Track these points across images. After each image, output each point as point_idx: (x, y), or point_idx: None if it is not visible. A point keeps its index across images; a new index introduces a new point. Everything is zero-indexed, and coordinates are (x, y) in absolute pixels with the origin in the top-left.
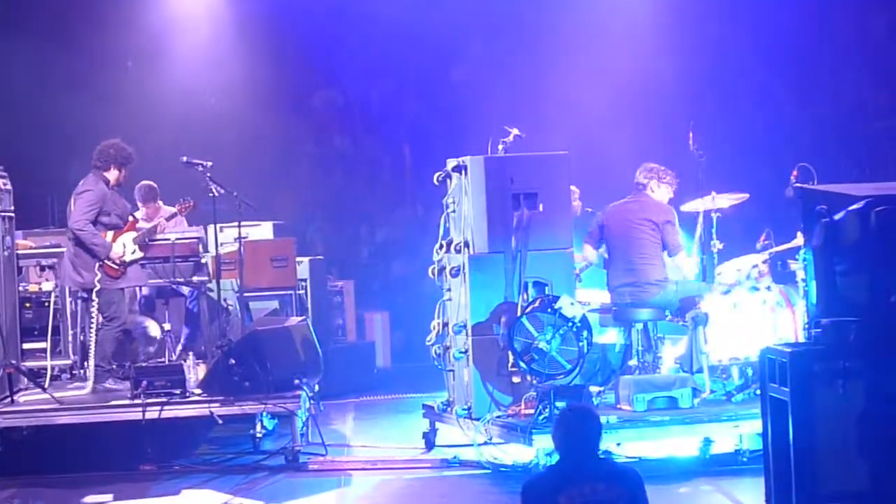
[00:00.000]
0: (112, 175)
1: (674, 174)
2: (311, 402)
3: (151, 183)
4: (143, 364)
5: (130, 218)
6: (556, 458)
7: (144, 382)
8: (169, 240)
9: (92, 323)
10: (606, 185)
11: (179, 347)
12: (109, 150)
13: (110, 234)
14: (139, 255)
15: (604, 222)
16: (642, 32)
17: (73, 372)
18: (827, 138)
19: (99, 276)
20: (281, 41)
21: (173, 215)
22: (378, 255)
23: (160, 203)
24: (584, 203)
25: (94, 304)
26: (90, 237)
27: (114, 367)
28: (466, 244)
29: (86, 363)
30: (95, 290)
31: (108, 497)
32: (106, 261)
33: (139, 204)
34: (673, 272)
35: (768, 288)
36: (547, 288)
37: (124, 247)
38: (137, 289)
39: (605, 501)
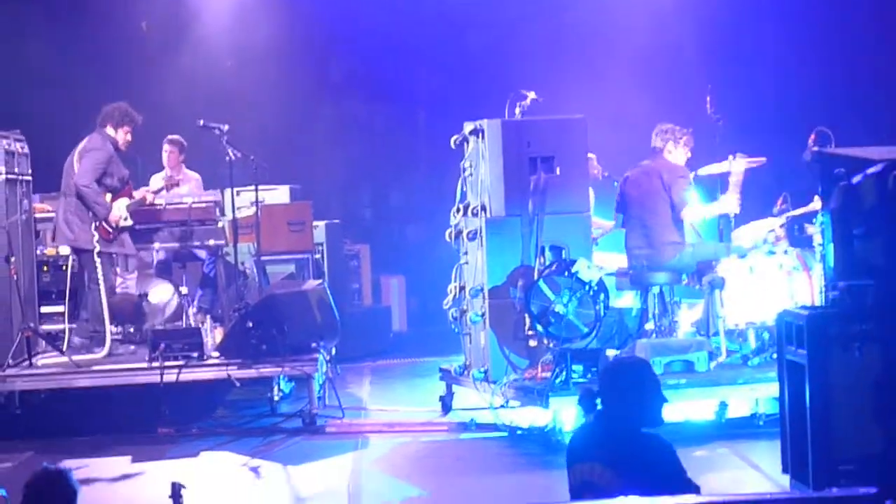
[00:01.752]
0: (118, 136)
1: (690, 132)
2: (328, 365)
3: (178, 137)
4: (161, 327)
5: (127, 184)
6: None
7: (162, 345)
8: (186, 204)
9: (97, 285)
10: (624, 149)
11: (193, 309)
12: (115, 112)
13: (108, 196)
14: (130, 222)
15: (622, 187)
16: None
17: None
18: (845, 102)
19: (96, 236)
20: (297, 5)
21: (160, 189)
22: (394, 219)
23: (183, 165)
24: (601, 168)
25: (97, 264)
26: (94, 195)
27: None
28: (483, 208)
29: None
30: (96, 251)
31: (126, 459)
32: (103, 222)
33: (165, 147)
34: (690, 234)
35: (785, 252)
36: (564, 251)
37: (120, 211)
38: (154, 252)
39: (626, 470)
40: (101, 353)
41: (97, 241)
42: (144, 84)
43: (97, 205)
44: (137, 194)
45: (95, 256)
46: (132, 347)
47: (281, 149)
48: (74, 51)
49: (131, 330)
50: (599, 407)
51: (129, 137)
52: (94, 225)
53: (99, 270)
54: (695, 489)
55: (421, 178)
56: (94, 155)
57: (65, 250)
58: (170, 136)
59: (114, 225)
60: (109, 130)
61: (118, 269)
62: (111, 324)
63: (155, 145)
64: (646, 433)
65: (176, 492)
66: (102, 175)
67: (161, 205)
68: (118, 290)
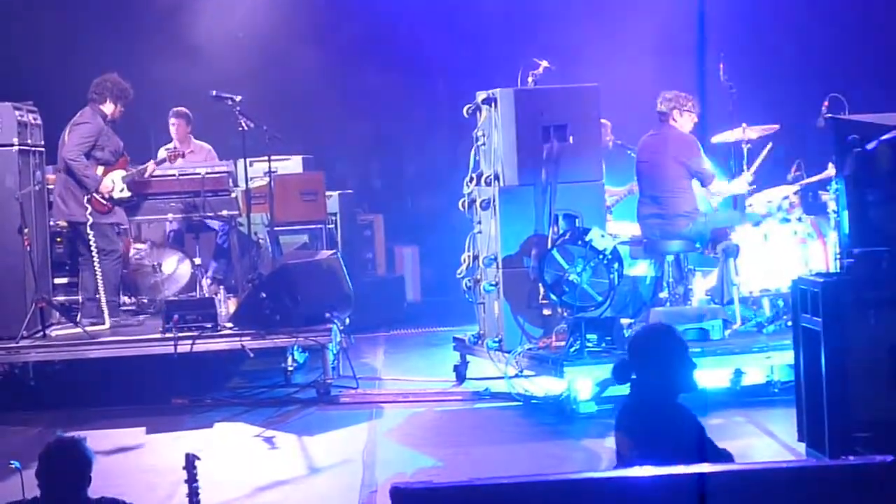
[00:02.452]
0: (108, 109)
1: (695, 99)
2: (342, 335)
3: (183, 108)
4: (175, 298)
5: (123, 156)
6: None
7: (176, 316)
8: (199, 174)
9: (91, 258)
10: (637, 117)
11: (206, 280)
12: (107, 83)
13: (101, 168)
14: (127, 194)
15: (638, 156)
16: None
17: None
18: (859, 68)
19: (89, 209)
20: None
21: (162, 160)
22: (408, 188)
23: (191, 137)
24: (615, 136)
25: (90, 237)
26: (82, 168)
27: (125, 300)
28: (496, 177)
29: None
30: (88, 223)
31: (141, 430)
32: (95, 194)
33: (171, 120)
34: (703, 203)
35: (799, 219)
36: (577, 220)
37: (113, 183)
38: (167, 223)
39: (645, 449)
40: (104, 325)
41: (90, 214)
42: (157, 55)
43: (86, 178)
44: (142, 167)
45: (88, 229)
46: (140, 318)
47: (294, 119)
48: (87, 21)
49: (145, 300)
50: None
51: (120, 109)
52: (86, 198)
53: (93, 243)
54: (727, 457)
55: (434, 147)
56: (82, 129)
57: (65, 224)
58: (175, 109)
59: (106, 196)
60: (100, 103)
61: (131, 240)
62: (125, 294)
63: (166, 117)
64: (676, 404)
65: (190, 463)
66: (92, 148)
67: (174, 175)
68: (132, 260)
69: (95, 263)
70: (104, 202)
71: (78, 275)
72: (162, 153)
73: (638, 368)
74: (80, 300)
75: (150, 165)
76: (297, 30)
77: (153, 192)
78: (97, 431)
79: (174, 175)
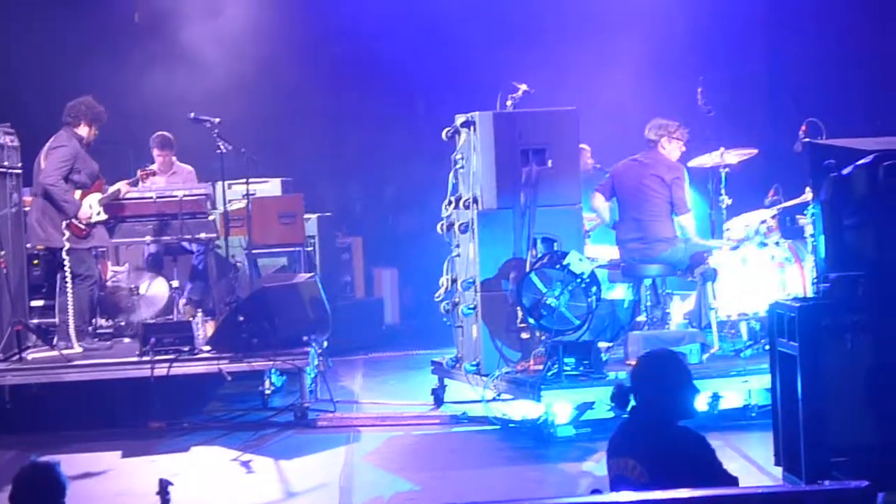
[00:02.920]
0: (83, 131)
1: (685, 129)
2: (320, 358)
3: (166, 133)
4: (152, 321)
5: (98, 179)
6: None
7: (153, 339)
8: (177, 196)
9: (68, 284)
10: (616, 141)
11: (182, 301)
12: (81, 107)
13: (78, 193)
14: (104, 216)
15: (615, 178)
16: None
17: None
18: (836, 93)
19: (67, 234)
20: None
21: (135, 181)
22: (387, 211)
23: (174, 159)
24: (594, 160)
25: (66, 262)
26: (62, 194)
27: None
28: (475, 200)
29: (94, 320)
30: (65, 249)
31: (118, 454)
32: (73, 220)
33: (154, 151)
34: (682, 230)
35: (777, 243)
36: (556, 244)
37: (90, 207)
38: (144, 246)
39: (655, 473)
40: (74, 350)
41: (67, 240)
42: (136, 76)
43: (66, 203)
44: (113, 188)
45: (65, 254)
46: (111, 342)
47: (272, 141)
48: (66, 43)
49: (122, 323)
50: (632, 403)
51: (94, 132)
52: (65, 224)
53: (68, 268)
54: (733, 481)
55: (414, 170)
56: (60, 152)
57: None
58: (158, 137)
59: (85, 222)
60: (75, 127)
61: (109, 263)
62: (101, 317)
63: (146, 138)
64: (679, 426)
65: (163, 488)
66: (69, 172)
67: (152, 197)
68: (109, 283)
69: (68, 288)
70: (82, 227)
71: (55, 298)
72: (173, 164)
73: (643, 392)
74: (57, 323)
75: (123, 186)
76: (276, 53)
77: (131, 214)
78: (73, 455)
79: (152, 198)
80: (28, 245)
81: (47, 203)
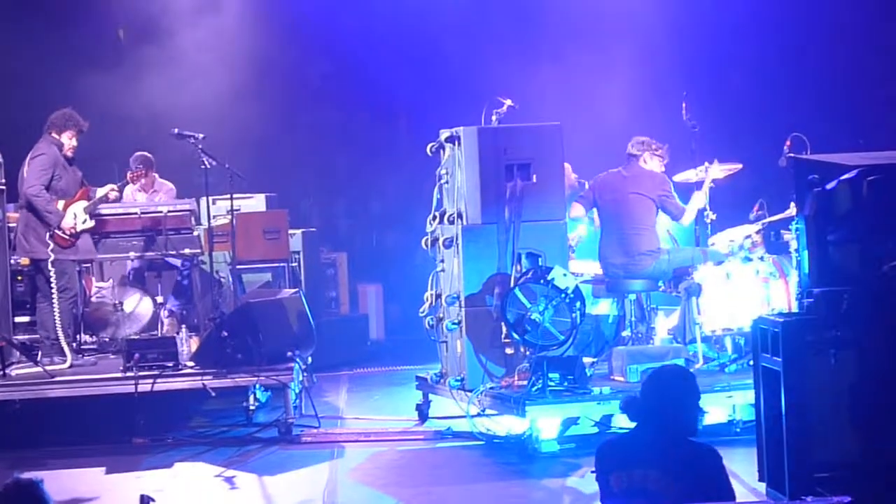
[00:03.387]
0: (64, 139)
1: (666, 147)
2: (304, 374)
3: (146, 153)
4: (136, 337)
5: (83, 187)
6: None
7: (137, 355)
8: (161, 212)
9: (51, 295)
10: (600, 156)
11: (167, 318)
12: (59, 116)
13: (61, 203)
14: (90, 224)
15: (595, 190)
16: (636, 2)
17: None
18: (821, 108)
19: (51, 245)
20: (275, 12)
21: (125, 184)
22: (371, 226)
23: (156, 175)
24: (577, 175)
25: (51, 273)
26: (44, 203)
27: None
28: (459, 215)
29: (78, 335)
30: (50, 260)
31: (101, 470)
32: (56, 230)
33: (138, 172)
34: (666, 241)
35: (761, 258)
36: (540, 259)
37: (75, 216)
38: (128, 261)
39: (673, 479)
40: (65, 363)
41: (51, 251)
42: (121, 92)
43: (48, 213)
44: (101, 191)
45: (49, 265)
46: (96, 357)
47: (257, 157)
48: (49, 58)
49: (106, 339)
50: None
51: (74, 142)
52: (48, 234)
53: (53, 280)
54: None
55: (399, 185)
56: (39, 160)
57: (27, 262)
58: (139, 158)
59: (69, 232)
60: (54, 135)
61: (93, 279)
62: (86, 333)
63: (129, 153)
64: (696, 441)
65: None
66: (50, 180)
67: (136, 213)
68: (93, 299)
69: (55, 301)
70: (67, 237)
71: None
72: (127, 190)
73: (654, 406)
74: (40, 338)
75: (112, 192)
76: (260, 68)
77: (115, 230)
78: (56, 472)
79: (136, 213)
80: (13, 259)
81: (31, 214)
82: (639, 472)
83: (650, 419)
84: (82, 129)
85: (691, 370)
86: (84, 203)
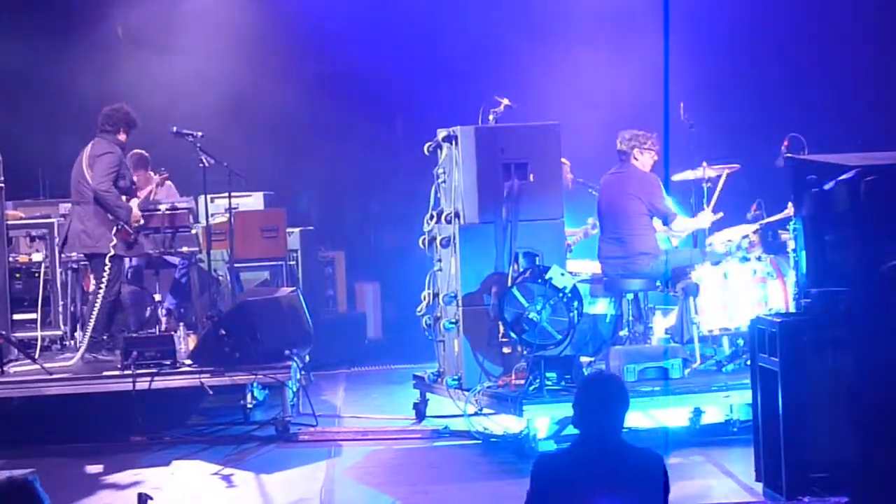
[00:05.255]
0: (122, 138)
1: (655, 136)
2: (302, 372)
3: (142, 152)
4: (134, 334)
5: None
6: (569, 430)
7: (135, 353)
8: (159, 210)
9: (99, 291)
10: (598, 156)
11: (162, 311)
12: (118, 115)
13: (123, 198)
14: (142, 222)
15: (599, 194)
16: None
17: (64, 343)
18: (819, 108)
19: (114, 241)
20: (272, 9)
21: (162, 182)
22: (369, 225)
23: (150, 173)
24: (575, 175)
25: (106, 269)
26: (114, 199)
27: (105, 336)
28: (457, 214)
29: (76, 333)
30: (109, 255)
31: (99, 468)
32: (125, 225)
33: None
34: (664, 241)
35: (759, 258)
36: (537, 258)
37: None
38: (127, 259)
39: (621, 488)
40: (73, 360)
41: (113, 246)
42: (118, 89)
43: (118, 208)
44: (143, 192)
45: (107, 261)
46: (108, 354)
47: (255, 155)
48: (47, 56)
49: (104, 337)
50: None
51: (127, 139)
52: (115, 229)
53: (106, 275)
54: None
55: (396, 184)
56: (106, 159)
57: (38, 257)
58: (135, 156)
59: (134, 226)
60: (115, 134)
61: (91, 276)
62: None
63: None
64: (640, 447)
65: (142, 503)
66: (117, 178)
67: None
68: (90, 297)
69: (100, 295)
70: (131, 232)
71: (37, 311)
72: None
73: (594, 418)
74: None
75: (152, 187)
76: (259, 67)
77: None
78: (53, 469)
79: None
80: (64, 255)
81: (97, 209)
82: (605, 470)
83: (587, 430)
84: (136, 124)
85: (688, 370)
86: (136, 200)
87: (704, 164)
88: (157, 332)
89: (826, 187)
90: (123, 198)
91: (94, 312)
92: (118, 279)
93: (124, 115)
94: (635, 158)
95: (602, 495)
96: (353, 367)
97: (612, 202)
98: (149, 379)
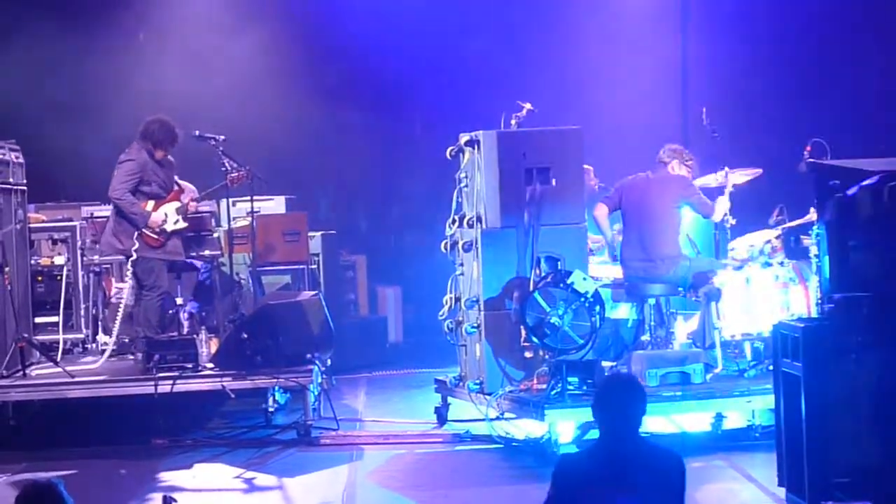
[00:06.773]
0: (159, 154)
1: (695, 159)
2: (323, 376)
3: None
4: (155, 337)
5: (175, 188)
6: (591, 434)
7: (157, 356)
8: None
9: (142, 295)
10: (621, 161)
11: (184, 315)
12: (153, 126)
13: (151, 203)
14: (182, 225)
15: (622, 193)
16: (656, 6)
17: (86, 346)
18: (842, 113)
19: (137, 245)
20: (293, 14)
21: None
22: (391, 229)
23: (175, 177)
24: (598, 179)
25: (129, 272)
26: (128, 206)
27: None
28: (479, 219)
29: (98, 336)
30: (132, 259)
31: (121, 471)
32: (145, 230)
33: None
34: (686, 246)
35: (781, 263)
36: (559, 263)
37: (166, 216)
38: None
39: (642, 488)
40: (97, 363)
41: (135, 250)
42: (140, 93)
43: (133, 214)
44: (185, 198)
45: (130, 265)
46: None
47: (277, 159)
48: (70, 60)
49: (126, 340)
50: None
51: (164, 152)
52: (136, 234)
53: (140, 278)
54: None
55: (418, 188)
56: (127, 165)
57: (60, 260)
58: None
59: (157, 230)
60: (146, 142)
61: (113, 279)
62: (106, 333)
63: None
64: (660, 446)
65: None
66: (138, 184)
67: None
68: (112, 300)
69: (144, 296)
70: (155, 236)
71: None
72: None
73: (604, 417)
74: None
75: (192, 203)
76: (280, 70)
77: None
78: (76, 472)
79: None
80: (96, 257)
81: (119, 215)
82: (626, 471)
83: (607, 430)
84: (173, 140)
85: (709, 375)
86: (177, 204)
87: (727, 169)
88: (179, 336)
89: (849, 193)
90: (151, 203)
91: (120, 315)
92: (153, 280)
93: (157, 128)
94: (673, 168)
95: (622, 495)
96: (374, 371)
97: (641, 204)
98: (171, 382)
